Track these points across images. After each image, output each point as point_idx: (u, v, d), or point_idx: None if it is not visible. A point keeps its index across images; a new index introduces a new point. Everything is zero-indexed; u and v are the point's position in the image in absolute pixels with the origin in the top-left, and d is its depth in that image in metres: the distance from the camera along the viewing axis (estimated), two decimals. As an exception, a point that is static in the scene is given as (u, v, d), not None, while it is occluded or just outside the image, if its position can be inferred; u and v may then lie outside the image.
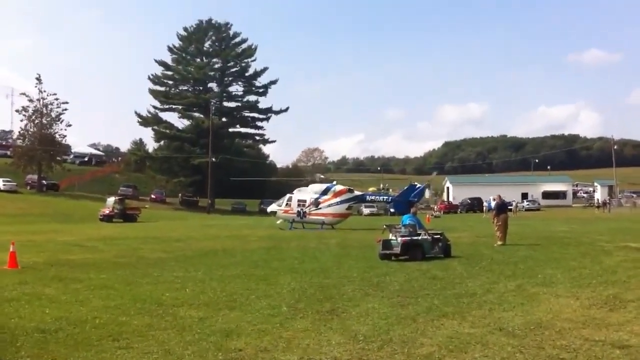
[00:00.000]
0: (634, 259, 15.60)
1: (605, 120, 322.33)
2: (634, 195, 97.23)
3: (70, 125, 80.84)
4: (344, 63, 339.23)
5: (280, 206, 40.56)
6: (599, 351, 6.99)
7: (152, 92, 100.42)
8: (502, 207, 23.23)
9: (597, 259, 16.15)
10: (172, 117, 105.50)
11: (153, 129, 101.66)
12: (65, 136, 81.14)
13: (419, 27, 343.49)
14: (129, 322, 8.97)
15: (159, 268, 15.86)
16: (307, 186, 43.85)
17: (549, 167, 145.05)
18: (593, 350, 7.01)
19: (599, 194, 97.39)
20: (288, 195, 40.90)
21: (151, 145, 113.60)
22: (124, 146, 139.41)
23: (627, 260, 15.38)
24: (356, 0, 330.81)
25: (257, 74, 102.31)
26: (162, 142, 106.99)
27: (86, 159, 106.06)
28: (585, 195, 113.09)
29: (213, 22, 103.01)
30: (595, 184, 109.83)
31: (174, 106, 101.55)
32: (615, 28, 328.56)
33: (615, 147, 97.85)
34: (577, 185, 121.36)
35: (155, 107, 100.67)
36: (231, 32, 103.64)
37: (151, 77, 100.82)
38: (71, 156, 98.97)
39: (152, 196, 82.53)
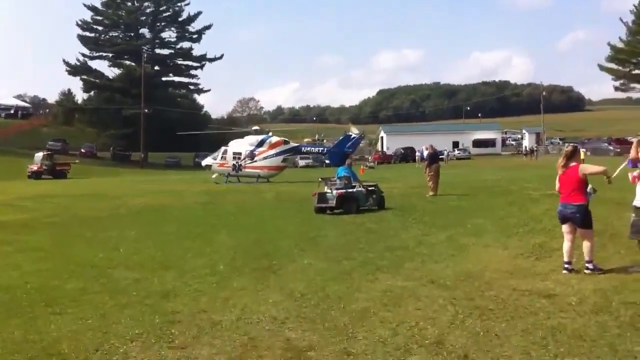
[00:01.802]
0: (559, 207, 16.18)
1: (536, 65, 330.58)
2: (560, 142, 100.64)
3: (-7, 76, 77.13)
4: (278, 9, 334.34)
5: (216, 160, 40.09)
6: (526, 301, 7.29)
7: (81, 39, 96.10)
8: (434, 157, 23.56)
9: (524, 207, 16.65)
10: (103, 66, 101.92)
11: (82, 79, 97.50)
12: (-12, 88, 77.57)
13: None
14: (62, 286, 8.84)
15: (91, 228, 15.56)
16: (242, 138, 43.47)
17: (479, 115, 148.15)
18: (520, 300, 7.32)
19: (527, 142, 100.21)
20: (223, 148, 40.41)
21: (80, 96, 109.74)
22: (52, 97, 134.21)
23: (553, 209, 15.56)
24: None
25: (191, 19, 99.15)
26: (91, 93, 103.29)
27: (12, 111, 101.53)
28: (513, 143, 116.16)
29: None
30: (523, 131, 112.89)
31: (104, 54, 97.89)
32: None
33: (544, 93, 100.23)
34: (506, 133, 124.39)
35: (84, 55, 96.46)
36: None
37: (79, 22, 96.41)
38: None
39: (82, 150, 79.94)
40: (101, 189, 32.22)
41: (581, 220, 8.54)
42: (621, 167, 9.33)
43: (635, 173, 9.02)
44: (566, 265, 8.66)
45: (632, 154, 9.36)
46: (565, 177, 8.68)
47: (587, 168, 8.67)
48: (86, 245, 12.61)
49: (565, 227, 8.81)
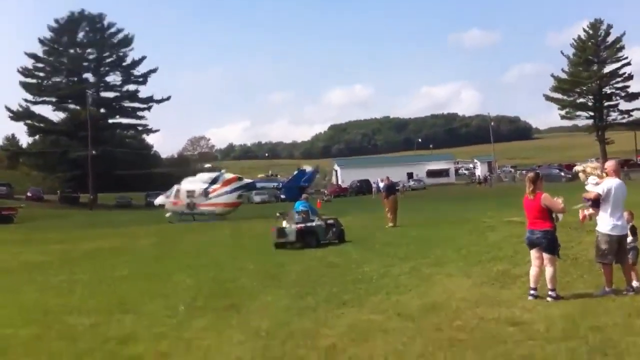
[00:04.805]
0: (518, 234, 16.27)
1: (484, 98, 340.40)
2: (512, 170, 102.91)
3: None
4: (226, 48, 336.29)
5: (169, 198, 39.59)
6: (494, 329, 7.19)
7: (23, 85, 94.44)
8: (391, 188, 23.77)
9: (483, 235, 16.81)
10: (47, 110, 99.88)
11: (26, 124, 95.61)
12: None
13: (305, 9, 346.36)
14: (15, 335, 8.36)
15: (42, 272, 15.01)
16: (195, 176, 43.07)
17: (431, 146, 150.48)
18: (488, 329, 7.21)
19: (480, 171, 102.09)
20: (176, 187, 39.97)
21: (25, 140, 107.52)
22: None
23: (512, 235, 15.99)
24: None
25: (136, 63, 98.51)
26: (36, 137, 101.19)
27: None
28: (466, 172, 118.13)
29: (86, 13, 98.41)
30: (475, 160, 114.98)
31: (47, 99, 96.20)
32: (495, 6, 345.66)
33: (492, 123, 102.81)
34: (458, 163, 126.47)
35: (27, 101, 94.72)
36: (105, 23, 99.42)
37: (21, 69, 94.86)
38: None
39: (29, 194, 77.65)
40: (50, 233, 31.29)
41: (547, 245, 8.52)
42: (579, 205, 9.32)
43: (586, 212, 9.02)
44: (532, 292, 8.60)
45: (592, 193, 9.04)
46: (530, 204, 8.69)
47: (549, 202, 8.60)
48: (38, 291, 12.07)
49: (533, 253, 8.74)
